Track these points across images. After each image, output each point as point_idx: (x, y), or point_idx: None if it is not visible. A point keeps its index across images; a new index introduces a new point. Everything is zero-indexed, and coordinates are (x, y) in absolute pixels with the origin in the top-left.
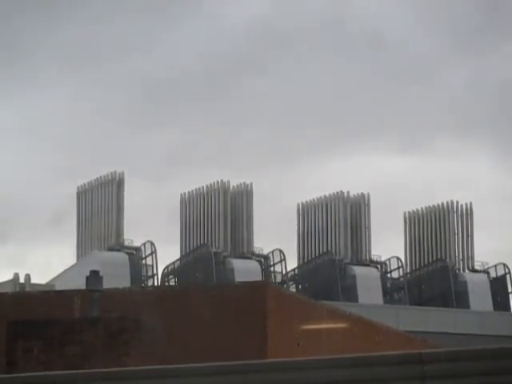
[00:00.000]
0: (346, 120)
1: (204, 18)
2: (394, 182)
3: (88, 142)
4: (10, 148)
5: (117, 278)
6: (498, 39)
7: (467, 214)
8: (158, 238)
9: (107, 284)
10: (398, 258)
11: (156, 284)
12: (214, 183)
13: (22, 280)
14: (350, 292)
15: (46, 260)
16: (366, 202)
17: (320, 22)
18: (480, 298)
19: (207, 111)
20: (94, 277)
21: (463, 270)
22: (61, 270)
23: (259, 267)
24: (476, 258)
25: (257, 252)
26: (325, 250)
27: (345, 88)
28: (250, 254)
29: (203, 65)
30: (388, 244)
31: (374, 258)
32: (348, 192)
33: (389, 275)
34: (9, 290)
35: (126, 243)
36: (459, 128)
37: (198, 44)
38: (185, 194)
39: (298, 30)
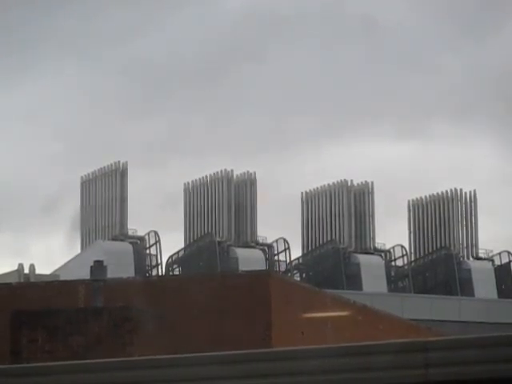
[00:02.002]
0: (345, 106)
1: (203, 4)
2: (395, 169)
3: (87, 129)
4: (9, 136)
5: (121, 267)
6: (498, 24)
7: (471, 202)
8: (162, 227)
9: (111, 274)
10: (402, 246)
11: (160, 273)
12: (218, 172)
13: (26, 270)
14: (354, 280)
15: (47, 249)
16: (370, 191)
17: (320, 7)
18: (484, 286)
19: (206, 97)
20: (98, 266)
21: (467, 258)
22: (61, 259)
23: (263, 256)
24: (480, 245)
25: (261, 241)
26: (329, 238)
27: (344, 74)
28: (253, 243)
29: (202, 51)
30: (392, 232)
31: (378, 246)
32: (352, 180)
33: (393, 263)
34: (13, 280)
35: (130, 233)
36: (459, 113)
37: (197, 30)
38: (188, 183)
39: (298, 15)
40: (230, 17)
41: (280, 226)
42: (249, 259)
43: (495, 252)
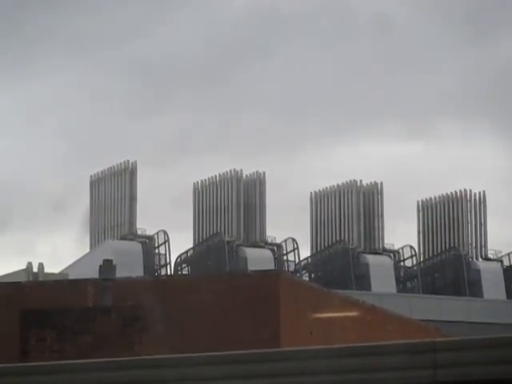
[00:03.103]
0: (353, 106)
1: (206, 3)
2: (403, 169)
3: (94, 129)
4: (17, 135)
5: (130, 266)
6: (502, 22)
7: (480, 203)
8: (171, 226)
9: (120, 273)
10: (411, 247)
11: (169, 273)
12: (227, 172)
13: (35, 269)
14: (363, 281)
15: (55, 248)
16: (379, 191)
17: (323, 5)
18: (493, 287)
19: (209, 97)
20: (107, 266)
21: (476, 259)
22: (70, 258)
23: (272, 256)
24: (489, 246)
25: (270, 241)
26: (338, 238)
27: (348, 73)
28: (262, 243)
29: (204, 49)
30: (401, 232)
31: (387, 246)
32: (361, 180)
33: (402, 264)
34: (22, 279)
35: (139, 232)
36: (465, 113)
37: (199, 28)
38: (197, 182)
39: (301, 12)
40: (233, 15)
41: (289, 226)
42: (258, 259)
43: (504, 253)
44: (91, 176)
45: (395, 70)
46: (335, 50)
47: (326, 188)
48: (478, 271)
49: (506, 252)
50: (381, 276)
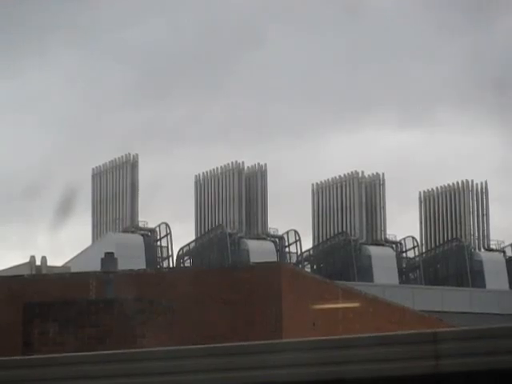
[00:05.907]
0: (350, 95)
1: None
2: (404, 160)
3: (88, 119)
4: (9, 126)
5: (132, 259)
6: (498, 8)
7: (482, 193)
8: (173, 219)
9: (122, 266)
10: (414, 238)
11: (171, 265)
12: (229, 164)
13: (38, 262)
14: (365, 272)
15: (58, 241)
16: (381, 182)
17: None
18: (496, 277)
19: (208, 86)
20: (109, 259)
21: (479, 249)
22: (72, 251)
23: (274, 248)
24: (491, 236)
25: (271, 233)
26: (340, 230)
27: (348, 61)
28: (264, 235)
29: (204, 37)
30: (403, 224)
31: (390, 237)
32: (362, 172)
33: (404, 255)
34: (25, 272)
35: (141, 225)
36: (467, 102)
37: (198, 15)
38: (199, 175)
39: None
40: (233, 1)
41: (291, 218)
42: (260, 251)
43: (506, 243)
44: (93, 169)
45: (395, 58)
46: (335, 38)
47: (328, 179)
48: (481, 262)
49: (509, 242)
50: (383, 267)
